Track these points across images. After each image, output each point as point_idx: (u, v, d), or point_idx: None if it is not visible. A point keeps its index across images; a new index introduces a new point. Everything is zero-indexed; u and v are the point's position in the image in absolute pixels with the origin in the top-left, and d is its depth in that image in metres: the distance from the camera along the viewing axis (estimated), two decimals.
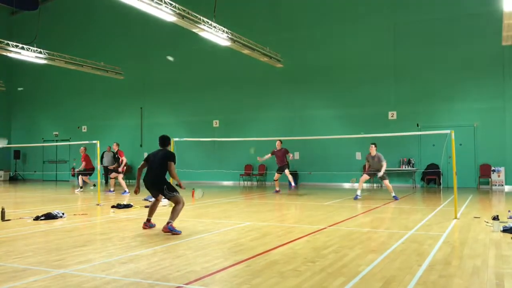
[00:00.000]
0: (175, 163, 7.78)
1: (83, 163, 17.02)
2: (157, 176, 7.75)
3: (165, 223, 7.40)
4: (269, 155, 15.83)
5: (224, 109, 22.45)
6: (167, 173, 7.74)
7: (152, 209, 8.11)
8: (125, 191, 15.54)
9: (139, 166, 8.02)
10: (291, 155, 15.68)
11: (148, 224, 7.94)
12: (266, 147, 20.49)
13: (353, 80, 19.93)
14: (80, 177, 17.26)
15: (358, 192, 13.61)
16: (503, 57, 17.62)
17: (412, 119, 18.73)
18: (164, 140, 8.08)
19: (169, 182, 7.91)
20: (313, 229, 7.77)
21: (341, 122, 19.85)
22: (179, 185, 7.84)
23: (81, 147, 17.18)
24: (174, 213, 7.52)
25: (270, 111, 21.52)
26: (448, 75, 18.47)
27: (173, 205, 7.74)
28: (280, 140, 15.81)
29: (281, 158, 15.58)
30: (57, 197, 15.47)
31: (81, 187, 17.23)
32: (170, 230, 7.28)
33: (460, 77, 18.34)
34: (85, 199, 14.09)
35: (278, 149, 15.64)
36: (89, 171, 17.13)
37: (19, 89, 26.64)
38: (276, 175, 15.73)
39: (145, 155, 23.44)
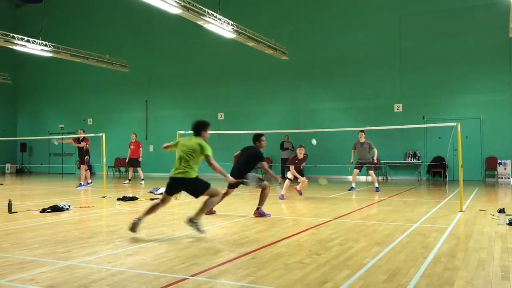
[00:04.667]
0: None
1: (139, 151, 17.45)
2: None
3: (255, 209, 7.86)
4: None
5: (229, 102, 22.44)
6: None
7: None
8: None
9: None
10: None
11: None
12: (272, 140, 20.50)
13: (358, 72, 19.85)
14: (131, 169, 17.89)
15: (353, 185, 14.05)
16: (510, 49, 17.49)
17: (418, 111, 18.66)
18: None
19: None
20: (318, 222, 7.77)
21: (347, 114, 19.80)
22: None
23: (132, 134, 17.97)
24: (263, 198, 7.95)
25: (275, 104, 21.48)
26: (454, 67, 18.36)
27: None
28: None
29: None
30: (64, 189, 15.55)
31: (129, 180, 17.68)
32: (260, 214, 7.66)
33: (466, 69, 18.22)
34: (91, 192, 14.15)
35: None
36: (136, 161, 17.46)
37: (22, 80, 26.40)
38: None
39: (151, 148, 23.66)
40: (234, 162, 8.55)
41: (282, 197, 11.59)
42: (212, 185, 6.57)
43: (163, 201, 6.62)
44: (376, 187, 13.75)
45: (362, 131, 14.04)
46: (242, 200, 11.46)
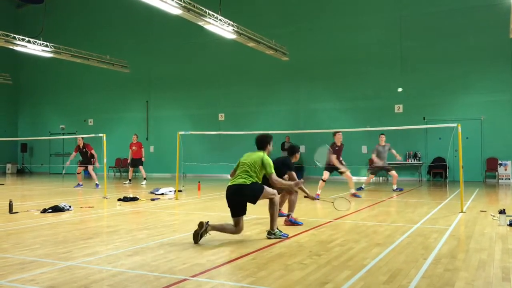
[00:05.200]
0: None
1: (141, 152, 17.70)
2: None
3: (286, 216, 7.52)
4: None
5: (230, 103, 22.45)
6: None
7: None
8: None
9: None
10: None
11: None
12: (272, 140, 20.41)
13: (359, 73, 19.85)
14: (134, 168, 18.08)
15: (363, 186, 14.00)
16: (510, 50, 17.49)
17: (419, 112, 18.65)
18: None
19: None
20: (319, 223, 7.77)
21: (347, 115, 19.80)
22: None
23: (134, 135, 18.14)
24: (291, 205, 7.59)
25: (275, 104, 21.48)
26: (455, 68, 18.36)
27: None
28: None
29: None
30: (64, 190, 15.56)
31: (130, 180, 17.77)
32: (292, 222, 7.41)
33: (467, 70, 18.22)
34: (92, 192, 14.16)
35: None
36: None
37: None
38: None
39: (152, 148, 23.67)
40: None
41: (318, 197, 11.50)
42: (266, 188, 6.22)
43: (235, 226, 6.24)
44: (397, 188, 13.40)
45: (382, 133, 13.89)
46: None
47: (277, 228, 6.35)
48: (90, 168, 16.19)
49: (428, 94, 18.73)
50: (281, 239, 6.25)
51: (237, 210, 6.18)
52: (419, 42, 18.96)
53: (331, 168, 12.13)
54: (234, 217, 6.19)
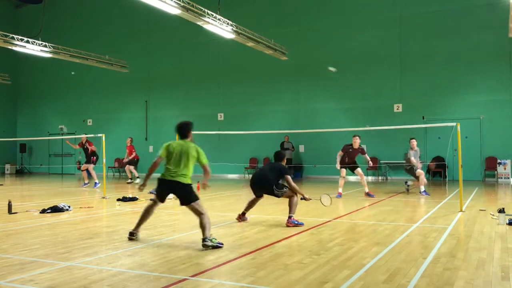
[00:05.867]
0: None
1: (133, 154, 18.16)
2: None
3: (287, 218, 7.45)
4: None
5: (229, 103, 22.44)
6: None
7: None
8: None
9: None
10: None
11: (242, 218, 8.01)
12: (271, 140, 20.52)
13: (358, 72, 19.85)
14: (127, 168, 18.33)
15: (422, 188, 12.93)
16: (509, 49, 17.49)
17: (418, 111, 18.66)
18: None
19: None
20: (318, 222, 7.78)
21: (346, 115, 19.80)
22: None
23: (128, 138, 18.56)
24: (292, 206, 7.55)
25: (274, 104, 21.48)
26: (454, 67, 18.36)
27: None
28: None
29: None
30: (63, 190, 15.56)
31: (131, 179, 18.15)
32: (294, 224, 7.34)
33: (466, 69, 18.23)
34: (91, 192, 14.15)
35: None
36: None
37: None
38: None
39: (151, 148, 23.65)
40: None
41: (339, 196, 11.87)
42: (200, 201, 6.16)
43: (155, 205, 6.44)
44: (423, 191, 12.62)
45: (413, 138, 13.49)
46: (242, 202, 11.44)
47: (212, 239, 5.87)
48: (90, 167, 16.19)
49: (427, 93, 18.73)
50: (280, 239, 6.25)
51: (164, 200, 6.41)
52: (418, 41, 18.97)
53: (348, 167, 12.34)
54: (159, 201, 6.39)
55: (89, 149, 16.08)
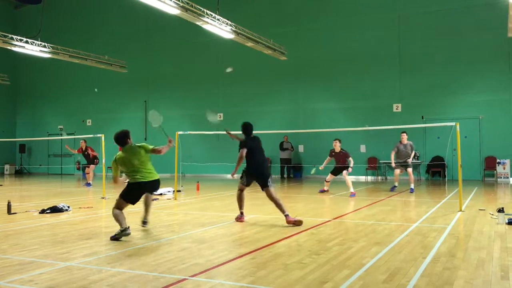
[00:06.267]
0: None
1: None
2: (266, 165, 8.08)
3: (285, 217, 7.40)
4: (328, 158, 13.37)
5: (228, 102, 22.44)
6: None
7: (242, 199, 8.06)
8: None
9: (241, 155, 7.70)
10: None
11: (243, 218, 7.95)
12: (271, 140, 20.49)
13: (357, 72, 19.86)
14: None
15: (396, 184, 13.73)
16: (508, 49, 17.50)
17: (417, 111, 18.66)
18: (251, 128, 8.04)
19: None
20: (318, 222, 7.77)
21: (346, 114, 19.81)
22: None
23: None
24: (282, 204, 7.56)
25: (274, 104, 21.48)
26: (453, 67, 18.37)
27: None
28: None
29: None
30: (63, 190, 15.55)
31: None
32: (293, 221, 7.32)
33: (465, 69, 18.24)
34: (91, 193, 14.14)
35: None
36: None
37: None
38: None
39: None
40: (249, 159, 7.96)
41: (322, 191, 12.74)
42: None
43: (122, 208, 6.79)
44: (411, 188, 13.10)
45: (404, 132, 13.73)
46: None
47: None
48: (91, 168, 16.27)
49: (426, 93, 18.74)
50: (279, 239, 6.25)
51: (137, 200, 6.89)
52: (417, 41, 18.98)
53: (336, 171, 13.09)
54: (131, 204, 6.87)
55: (91, 155, 16.17)
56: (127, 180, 6.87)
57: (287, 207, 7.61)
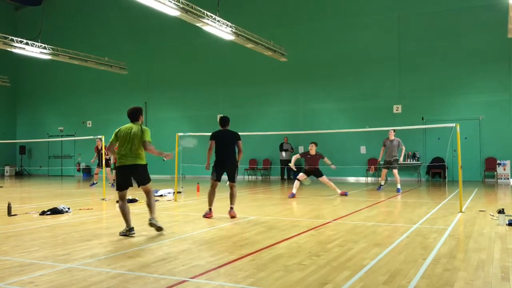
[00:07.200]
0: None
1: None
2: (232, 157, 8.41)
3: (230, 209, 8.22)
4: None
5: (229, 104, 22.44)
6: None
7: (214, 196, 8.48)
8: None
9: (209, 147, 8.24)
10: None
11: (211, 214, 8.45)
12: (270, 141, 20.51)
13: (357, 73, 19.87)
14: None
15: (382, 182, 14.20)
16: (509, 50, 17.51)
17: (417, 112, 18.67)
18: (228, 120, 8.62)
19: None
20: (318, 223, 7.77)
21: (346, 116, 19.81)
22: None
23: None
24: (235, 198, 8.33)
25: (274, 105, 21.49)
26: (453, 68, 18.38)
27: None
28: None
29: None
30: (63, 192, 15.55)
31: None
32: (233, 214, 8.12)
33: (466, 70, 18.25)
34: (91, 194, 14.15)
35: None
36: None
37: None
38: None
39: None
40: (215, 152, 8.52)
41: (292, 195, 12.30)
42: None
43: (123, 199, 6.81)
44: (398, 188, 13.41)
45: (393, 130, 13.92)
46: (242, 202, 11.45)
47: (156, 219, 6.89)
48: (108, 169, 16.29)
49: (426, 94, 18.75)
50: (280, 240, 6.25)
51: (128, 185, 6.78)
52: (417, 42, 18.99)
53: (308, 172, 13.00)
54: (123, 191, 6.77)
55: (106, 153, 16.16)
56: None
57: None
